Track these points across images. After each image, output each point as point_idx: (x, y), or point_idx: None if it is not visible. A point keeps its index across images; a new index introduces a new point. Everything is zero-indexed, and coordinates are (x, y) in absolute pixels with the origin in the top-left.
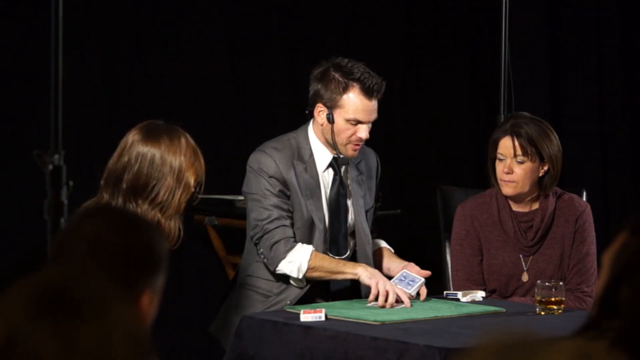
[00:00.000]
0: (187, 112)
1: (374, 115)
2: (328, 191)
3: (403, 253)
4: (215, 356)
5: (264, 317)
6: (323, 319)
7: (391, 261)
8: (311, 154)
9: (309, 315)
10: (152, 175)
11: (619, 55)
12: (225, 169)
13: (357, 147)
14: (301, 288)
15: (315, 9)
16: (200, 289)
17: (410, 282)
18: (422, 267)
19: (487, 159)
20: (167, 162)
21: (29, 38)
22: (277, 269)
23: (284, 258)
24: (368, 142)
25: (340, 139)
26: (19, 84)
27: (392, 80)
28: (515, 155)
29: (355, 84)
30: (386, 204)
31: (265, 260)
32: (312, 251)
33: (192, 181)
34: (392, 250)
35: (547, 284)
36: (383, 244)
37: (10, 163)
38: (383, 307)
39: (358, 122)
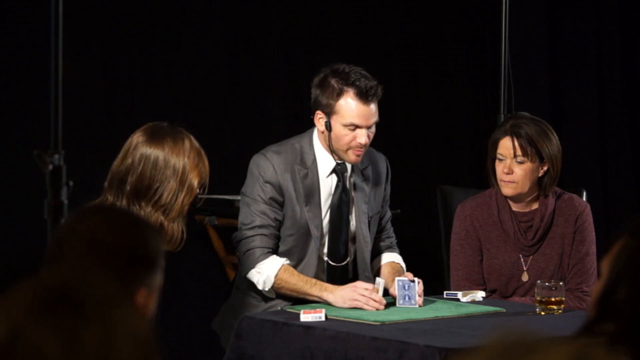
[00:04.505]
0: (186, 112)
1: (372, 120)
2: (330, 198)
3: (403, 253)
4: (216, 355)
5: (264, 317)
6: (323, 319)
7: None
8: (314, 160)
9: (309, 315)
10: (156, 177)
11: (619, 55)
12: (225, 169)
13: (359, 152)
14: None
15: (316, 9)
16: (200, 289)
17: (408, 286)
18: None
19: (487, 159)
20: (171, 164)
21: (29, 38)
22: (247, 276)
23: (253, 267)
24: (372, 144)
25: (340, 145)
26: (19, 84)
27: (392, 80)
28: (515, 156)
29: (349, 89)
30: None
31: (240, 265)
32: (283, 266)
33: (195, 183)
34: (403, 265)
35: (547, 284)
36: (393, 257)
37: (10, 163)
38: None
39: (355, 126)
